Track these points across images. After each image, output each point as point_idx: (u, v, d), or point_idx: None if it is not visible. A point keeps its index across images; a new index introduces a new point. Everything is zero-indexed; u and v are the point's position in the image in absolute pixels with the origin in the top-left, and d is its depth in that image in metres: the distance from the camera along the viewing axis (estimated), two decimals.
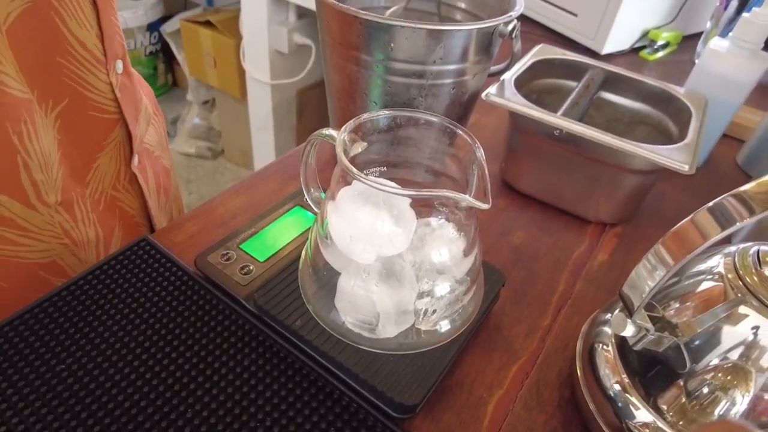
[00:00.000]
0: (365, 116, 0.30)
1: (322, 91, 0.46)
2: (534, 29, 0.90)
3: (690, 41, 0.91)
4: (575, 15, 0.85)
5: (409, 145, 0.32)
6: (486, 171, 0.27)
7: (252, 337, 0.34)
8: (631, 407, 0.29)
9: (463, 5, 0.50)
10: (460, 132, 0.30)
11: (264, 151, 1.68)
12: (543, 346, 0.36)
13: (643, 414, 0.28)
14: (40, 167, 0.38)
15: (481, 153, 0.28)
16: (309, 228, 0.41)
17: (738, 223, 0.24)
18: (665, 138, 0.51)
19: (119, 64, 0.44)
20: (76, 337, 0.33)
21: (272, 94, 1.52)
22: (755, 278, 0.25)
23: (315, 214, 0.37)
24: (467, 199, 0.25)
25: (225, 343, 0.33)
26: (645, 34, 0.87)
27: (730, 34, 0.55)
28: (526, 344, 0.36)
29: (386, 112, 0.30)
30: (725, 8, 0.82)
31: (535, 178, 0.48)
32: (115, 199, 0.47)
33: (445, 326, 0.31)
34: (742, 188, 0.25)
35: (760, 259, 0.26)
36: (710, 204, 0.26)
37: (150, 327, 0.34)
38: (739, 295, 0.25)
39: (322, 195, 0.35)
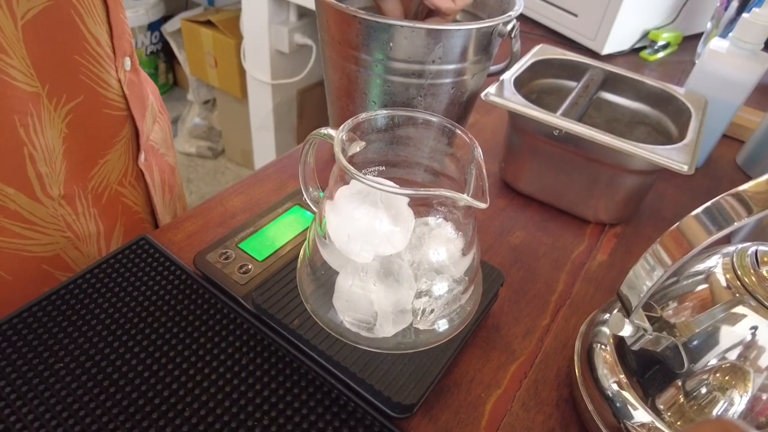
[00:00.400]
0: (363, 116, 0.30)
1: (323, 91, 0.46)
2: (534, 29, 0.90)
3: (690, 42, 0.90)
4: (575, 15, 0.85)
5: (408, 145, 0.32)
6: (484, 170, 0.27)
7: (250, 336, 0.34)
8: (629, 407, 0.29)
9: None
10: (459, 131, 0.30)
11: (264, 150, 1.68)
12: (541, 345, 0.36)
13: (641, 414, 0.28)
14: (44, 160, 0.38)
15: (479, 152, 0.28)
16: (308, 227, 0.41)
17: (736, 223, 0.24)
18: (665, 138, 0.51)
19: (127, 61, 0.44)
20: (74, 335, 0.33)
21: (273, 94, 1.52)
22: (753, 278, 0.25)
23: (314, 213, 0.37)
24: (465, 199, 0.25)
25: (223, 342, 0.33)
26: (645, 35, 0.87)
27: (731, 34, 0.55)
28: (524, 344, 0.36)
29: (384, 111, 0.30)
30: (726, 9, 0.81)
31: (535, 178, 0.48)
32: (120, 194, 0.47)
33: (443, 326, 0.31)
34: (741, 188, 0.25)
35: (759, 259, 0.26)
36: (708, 204, 0.26)
37: (148, 326, 0.34)
38: (737, 295, 0.25)
39: (321, 194, 0.35)
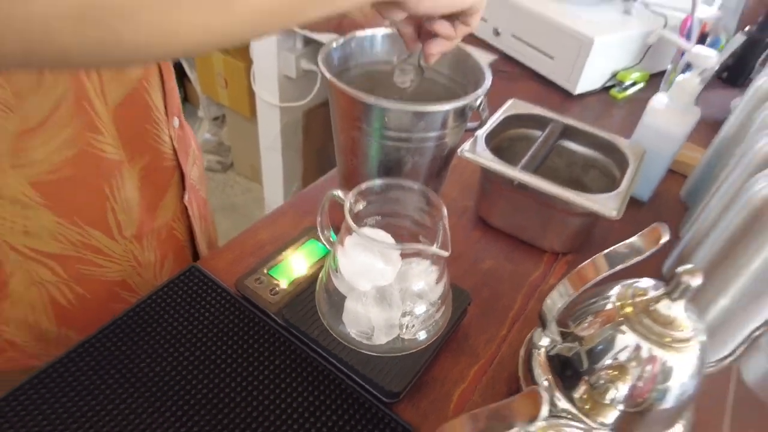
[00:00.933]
0: (365, 185, 0.41)
1: (327, 111, 0.57)
2: (516, 68, 1.01)
3: (657, 78, 1.02)
4: (552, 58, 0.96)
5: (398, 203, 0.44)
6: (447, 227, 0.38)
7: (281, 343, 0.45)
8: (555, 398, 0.40)
9: (445, 71, 0.62)
10: (431, 196, 0.41)
11: (272, 167, 1.80)
12: (499, 351, 0.48)
13: (562, 403, 0.39)
14: (123, 210, 0.50)
15: (444, 212, 0.39)
16: (322, 256, 0.53)
17: (621, 265, 0.35)
18: (610, 181, 0.62)
19: (176, 120, 0.56)
20: (138, 353, 0.45)
21: (281, 116, 1.64)
22: (630, 308, 0.36)
23: (325, 246, 0.48)
24: (432, 250, 0.36)
25: (261, 347, 0.45)
26: (614, 75, 0.98)
27: (668, 92, 0.66)
28: (486, 349, 0.47)
29: (380, 181, 0.42)
30: (682, 55, 0.93)
31: (502, 215, 0.60)
32: (172, 229, 0.58)
33: (422, 336, 0.42)
34: (630, 240, 0.36)
35: (635, 292, 0.37)
36: (607, 250, 0.37)
37: (203, 335, 0.45)
38: (620, 319, 0.36)
39: (333, 236, 0.47)
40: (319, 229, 0.46)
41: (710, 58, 0.61)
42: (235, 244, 0.55)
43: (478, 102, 0.51)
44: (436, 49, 0.46)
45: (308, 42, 1.55)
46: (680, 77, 0.65)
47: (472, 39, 1.08)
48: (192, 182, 0.63)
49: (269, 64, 1.56)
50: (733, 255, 0.44)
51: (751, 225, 0.42)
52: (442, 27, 0.43)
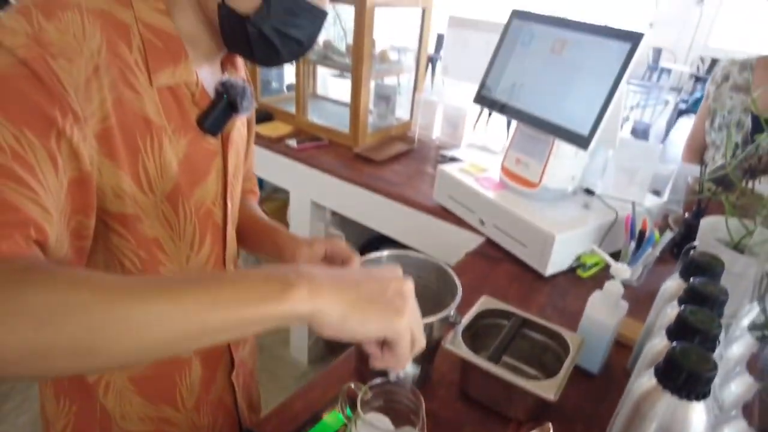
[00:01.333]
0: (370, 383, 0.63)
1: None
2: (499, 252, 1.27)
3: (616, 256, 1.25)
4: (525, 246, 1.22)
5: (394, 394, 0.65)
6: (424, 418, 0.58)
7: None
8: None
9: (434, 282, 0.86)
10: (415, 392, 0.62)
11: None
12: None
13: None
14: (187, 390, 0.72)
15: (422, 405, 0.60)
16: (341, 425, 0.72)
17: None
18: (559, 362, 0.81)
19: None
20: None
21: None
22: None
23: (345, 421, 0.68)
24: None
25: None
26: (578, 258, 1.23)
27: (601, 292, 0.88)
28: None
29: (379, 380, 0.63)
30: (629, 243, 1.18)
31: (478, 390, 0.79)
32: (222, 398, 0.79)
33: None
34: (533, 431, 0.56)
35: None
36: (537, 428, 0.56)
37: None
38: None
39: (349, 413, 0.67)
40: (339, 408, 0.67)
41: (625, 270, 0.85)
42: (278, 412, 0.76)
43: (452, 312, 0.75)
44: (372, 364, 0.49)
45: (335, 213, 1.89)
46: (607, 283, 0.88)
47: (462, 223, 1.35)
48: (242, 359, 0.85)
49: (302, 230, 1.89)
50: (633, 428, 0.62)
51: (637, 410, 0.61)
52: (369, 348, 0.48)
